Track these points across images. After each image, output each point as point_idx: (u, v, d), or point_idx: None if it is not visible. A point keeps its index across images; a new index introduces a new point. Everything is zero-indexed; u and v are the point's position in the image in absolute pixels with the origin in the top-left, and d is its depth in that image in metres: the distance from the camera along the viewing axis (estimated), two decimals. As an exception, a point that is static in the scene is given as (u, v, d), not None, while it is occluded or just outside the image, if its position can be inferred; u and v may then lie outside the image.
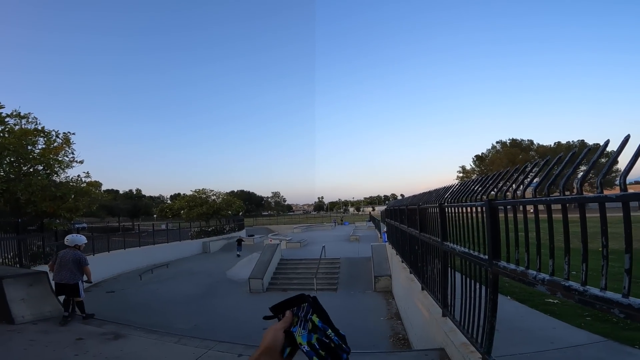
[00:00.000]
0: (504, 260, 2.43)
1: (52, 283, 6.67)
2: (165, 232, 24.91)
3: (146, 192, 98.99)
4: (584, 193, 1.67)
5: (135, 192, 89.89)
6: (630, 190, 1.40)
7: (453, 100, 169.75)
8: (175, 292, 13.38)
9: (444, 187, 4.19)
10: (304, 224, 50.90)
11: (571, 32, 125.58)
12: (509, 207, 2.35)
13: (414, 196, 6.70)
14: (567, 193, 1.78)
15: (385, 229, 14.27)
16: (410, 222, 6.39)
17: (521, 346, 3.64)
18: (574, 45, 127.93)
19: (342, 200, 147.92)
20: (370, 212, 73.80)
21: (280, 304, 0.75)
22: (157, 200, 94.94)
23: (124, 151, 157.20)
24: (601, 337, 3.82)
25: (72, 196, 14.68)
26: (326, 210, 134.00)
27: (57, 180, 15.39)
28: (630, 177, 1.44)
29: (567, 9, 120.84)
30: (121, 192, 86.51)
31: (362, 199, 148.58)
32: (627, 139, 1.51)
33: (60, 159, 15.18)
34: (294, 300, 0.75)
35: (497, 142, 60.08)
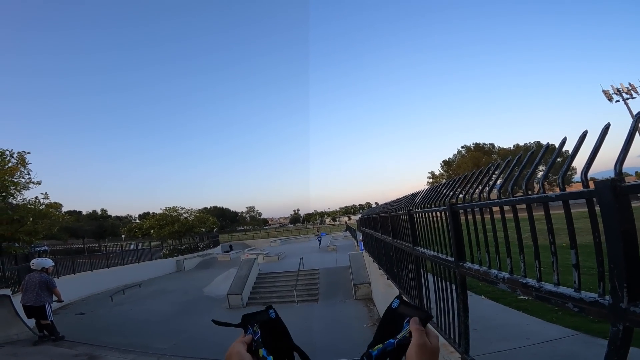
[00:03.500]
0: (468, 261, 2.53)
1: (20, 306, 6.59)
2: (135, 251, 23.93)
3: (112, 212, 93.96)
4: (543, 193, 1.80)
5: (100, 213, 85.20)
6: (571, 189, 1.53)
7: (420, 106, 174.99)
8: (150, 312, 12.83)
9: (412, 194, 4.34)
10: (281, 237, 50.43)
11: (528, 40, 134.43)
12: (468, 210, 2.48)
13: (386, 204, 6.87)
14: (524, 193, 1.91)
15: (361, 238, 14.44)
16: (383, 229, 6.52)
17: (499, 343, 3.68)
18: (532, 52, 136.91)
19: (318, 211, 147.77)
20: (346, 222, 74.24)
21: (250, 315, 0.73)
22: (125, 220, 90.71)
23: (86, 170, 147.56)
24: (573, 331, 3.88)
25: (31, 219, 13.84)
26: (302, 223, 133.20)
27: (14, 202, 14.47)
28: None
29: (526, 17, 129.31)
30: (84, 212, 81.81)
31: (338, 209, 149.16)
32: (564, 141, 1.67)
33: (15, 180, 14.29)
34: (250, 317, 0.72)
35: (462, 147, 62.83)
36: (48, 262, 7.06)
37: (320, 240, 29.54)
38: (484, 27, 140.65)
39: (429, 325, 0.65)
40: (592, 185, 1.36)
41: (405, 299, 0.70)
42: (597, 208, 1.35)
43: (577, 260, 1.55)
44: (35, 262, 6.90)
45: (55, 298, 6.72)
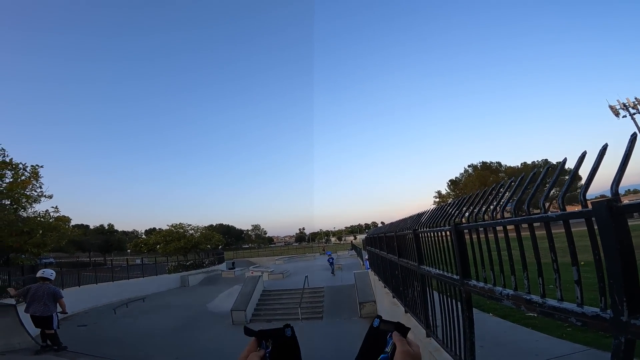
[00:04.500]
0: (473, 279, 2.57)
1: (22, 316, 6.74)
2: (141, 266, 23.99)
3: (119, 227, 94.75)
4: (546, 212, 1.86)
5: (107, 227, 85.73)
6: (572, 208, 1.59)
7: (427, 125, 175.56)
8: (153, 326, 12.80)
9: (418, 214, 4.39)
10: (286, 255, 50.10)
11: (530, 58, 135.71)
12: (472, 229, 2.54)
13: (391, 224, 6.89)
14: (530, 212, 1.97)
15: (367, 257, 14.36)
16: (389, 248, 6.53)
17: (508, 360, 3.63)
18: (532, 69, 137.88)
19: (324, 230, 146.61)
20: (351, 241, 73.68)
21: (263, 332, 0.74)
22: (131, 235, 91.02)
23: (96, 185, 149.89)
24: (584, 346, 3.89)
25: (40, 231, 14.03)
26: (308, 241, 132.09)
27: (25, 215, 14.72)
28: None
29: (529, 33, 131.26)
30: (92, 227, 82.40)
31: (344, 228, 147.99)
32: (564, 162, 1.74)
33: (28, 193, 14.58)
34: (266, 333, 0.73)
35: (469, 166, 62.32)
36: (53, 274, 7.22)
37: (332, 263, 23.79)
38: (488, 46, 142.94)
39: (408, 336, 0.72)
40: (590, 206, 1.43)
41: (385, 319, 0.79)
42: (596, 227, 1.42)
43: (579, 277, 1.59)
44: (44, 272, 7.02)
45: (59, 309, 6.81)
